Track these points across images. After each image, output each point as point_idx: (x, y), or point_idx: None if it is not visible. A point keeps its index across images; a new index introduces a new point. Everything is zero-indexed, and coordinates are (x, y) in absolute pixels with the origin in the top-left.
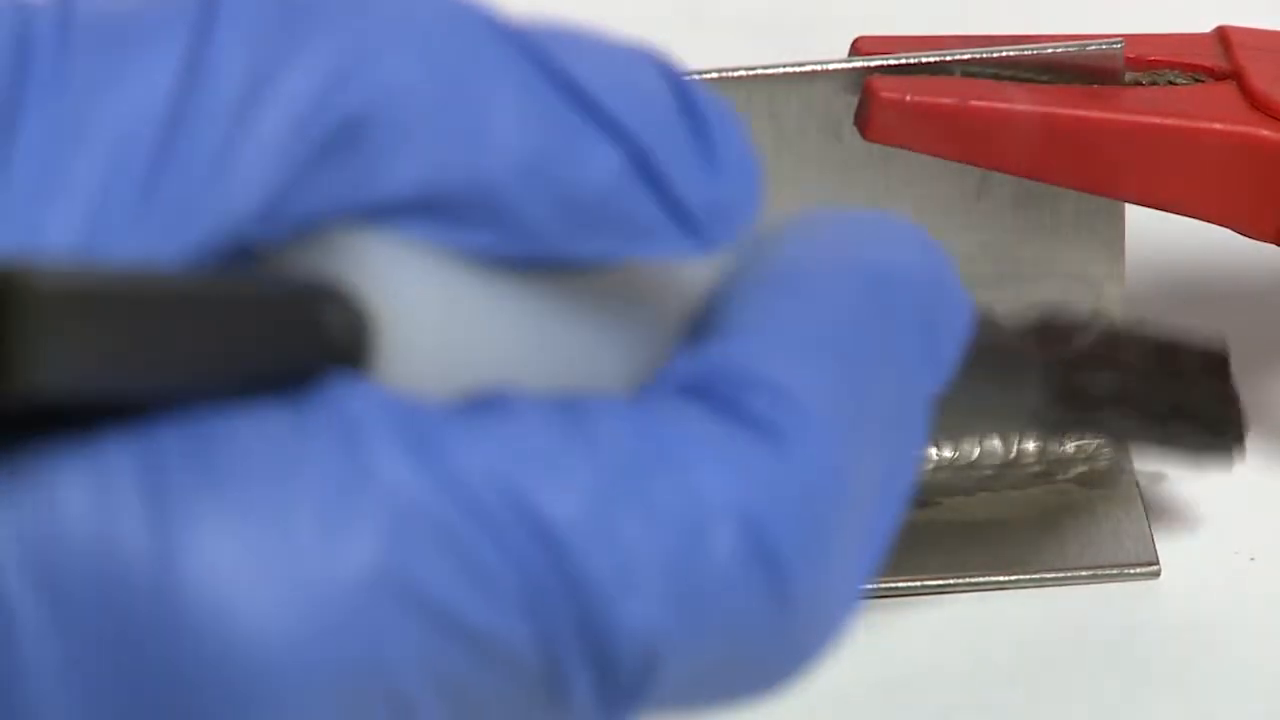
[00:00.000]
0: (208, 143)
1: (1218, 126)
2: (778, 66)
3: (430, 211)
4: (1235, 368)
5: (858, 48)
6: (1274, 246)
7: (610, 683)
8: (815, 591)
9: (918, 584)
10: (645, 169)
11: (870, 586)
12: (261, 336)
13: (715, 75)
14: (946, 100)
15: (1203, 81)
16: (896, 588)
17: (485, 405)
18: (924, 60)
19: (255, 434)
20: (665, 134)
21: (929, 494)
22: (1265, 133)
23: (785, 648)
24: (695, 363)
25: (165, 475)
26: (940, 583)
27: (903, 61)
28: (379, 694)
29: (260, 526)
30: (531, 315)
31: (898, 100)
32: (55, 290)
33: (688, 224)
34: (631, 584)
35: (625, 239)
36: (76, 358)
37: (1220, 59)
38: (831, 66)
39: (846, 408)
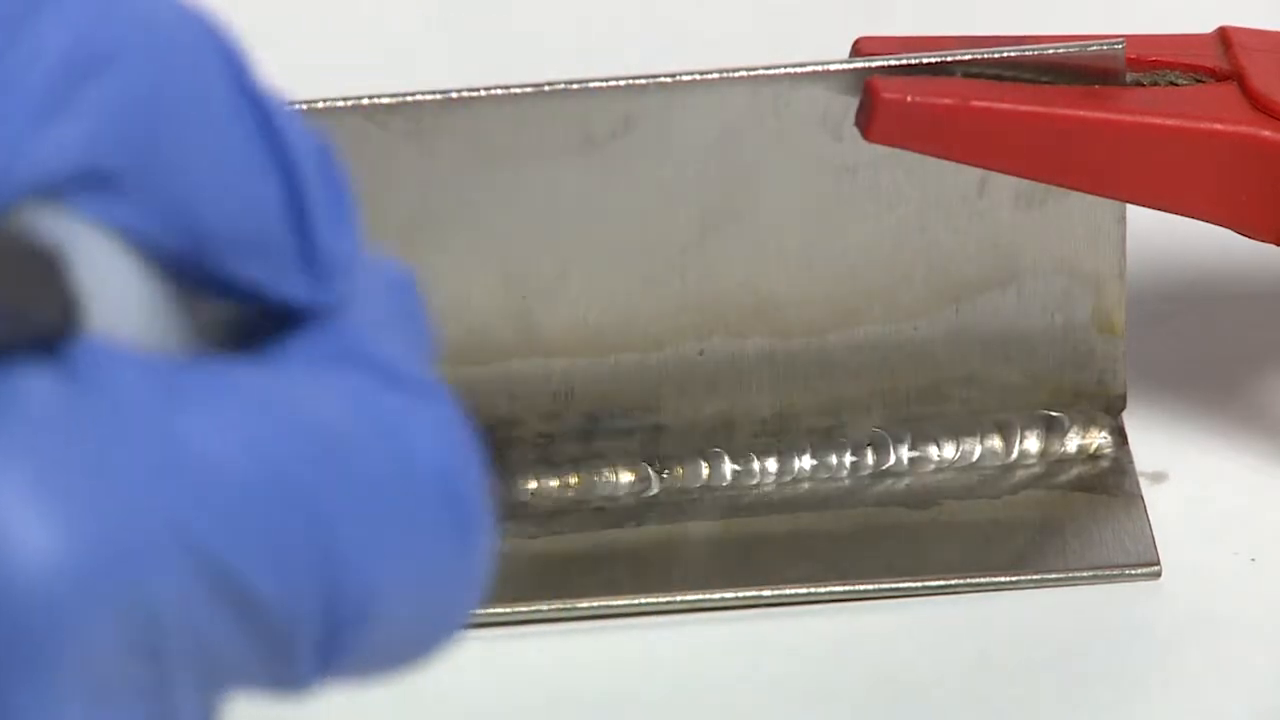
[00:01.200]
0: None
1: (1218, 127)
2: (779, 67)
3: (105, 186)
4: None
5: (859, 48)
6: (1275, 247)
7: (332, 636)
8: (485, 521)
9: (918, 584)
10: (297, 207)
11: (873, 588)
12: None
13: (717, 76)
14: (947, 101)
15: (1203, 82)
16: (898, 588)
17: (212, 366)
18: (925, 61)
19: (27, 387)
20: (315, 182)
21: (930, 495)
22: (1266, 133)
23: (466, 581)
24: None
25: None
26: (941, 583)
27: (904, 62)
28: (140, 644)
29: (41, 468)
30: (171, 303)
31: (899, 101)
32: None
33: (318, 272)
34: (368, 538)
35: (270, 272)
36: None
37: (1221, 59)
38: (832, 67)
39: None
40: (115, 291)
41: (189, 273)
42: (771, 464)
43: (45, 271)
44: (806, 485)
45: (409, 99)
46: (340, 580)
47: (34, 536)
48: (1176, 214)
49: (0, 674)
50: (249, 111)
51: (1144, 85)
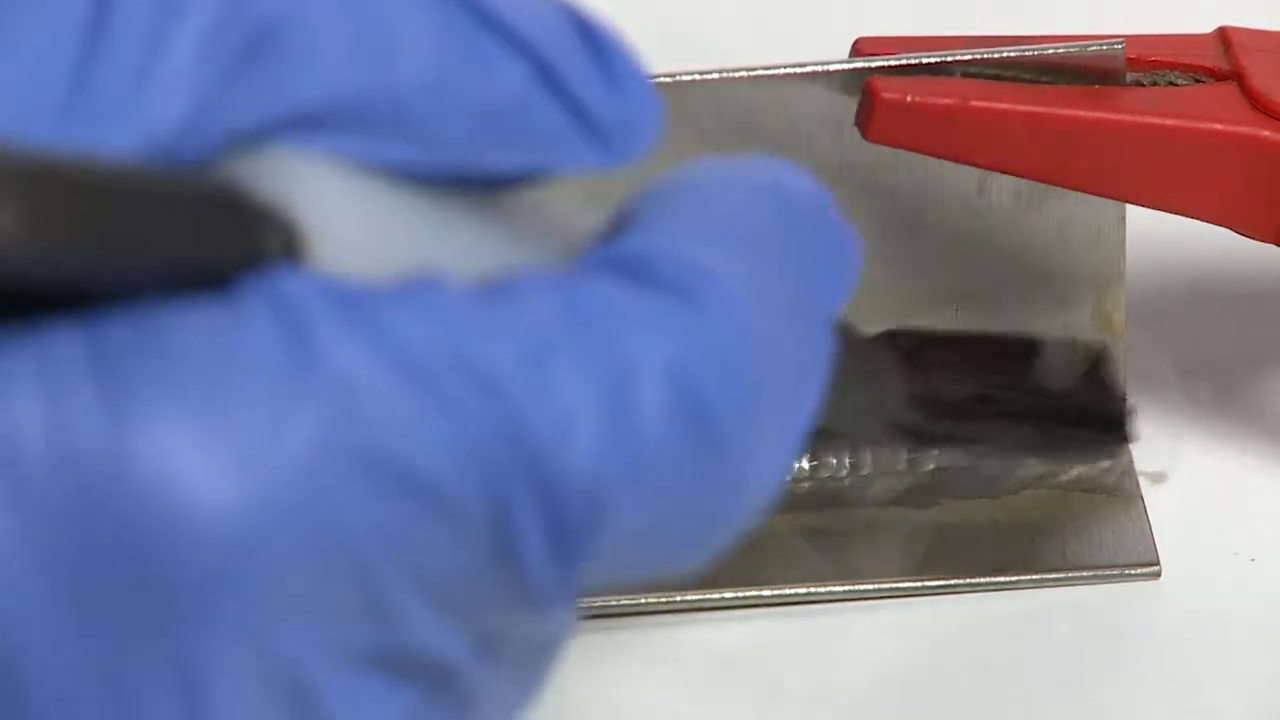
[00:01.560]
0: (126, 57)
1: (1218, 127)
2: (779, 67)
3: (342, 125)
4: (1116, 360)
5: (858, 48)
6: (1274, 247)
7: (559, 533)
8: (745, 446)
9: (919, 584)
10: (550, 81)
11: (874, 588)
12: (202, 233)
13: (717, 76)
14: (947, 101)
15: (1203, 82)
16: (899, 588)
17: (416, 284)
18: (925, 61)
19: (199, 321)
20: (568, 51)
21: (930, 495)
22: (1266, 133)
23: (719, 502)
24: (610, 249)
25: (114, 363)
26: (941, 583)
27: (903, 62)
28: (342, 570)
29: (210, 407)
30: (447, 228)
31: (898, 101)
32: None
33: (595, 136)
34: (572, 434)
35: (534, 150)
36: (24, 226)
37: (1221, 60)
38: (832, 67)
39: (753, 284)
40: (341, 224)
41: (460, 177)
42: None
43: (245, 214)
44: (807, 485)
45: None
46: (555, 480)
47: (205, 480)
48: (1176, 214)
49: (186, 624)
50: (459, 11)
51: (1144, 85)
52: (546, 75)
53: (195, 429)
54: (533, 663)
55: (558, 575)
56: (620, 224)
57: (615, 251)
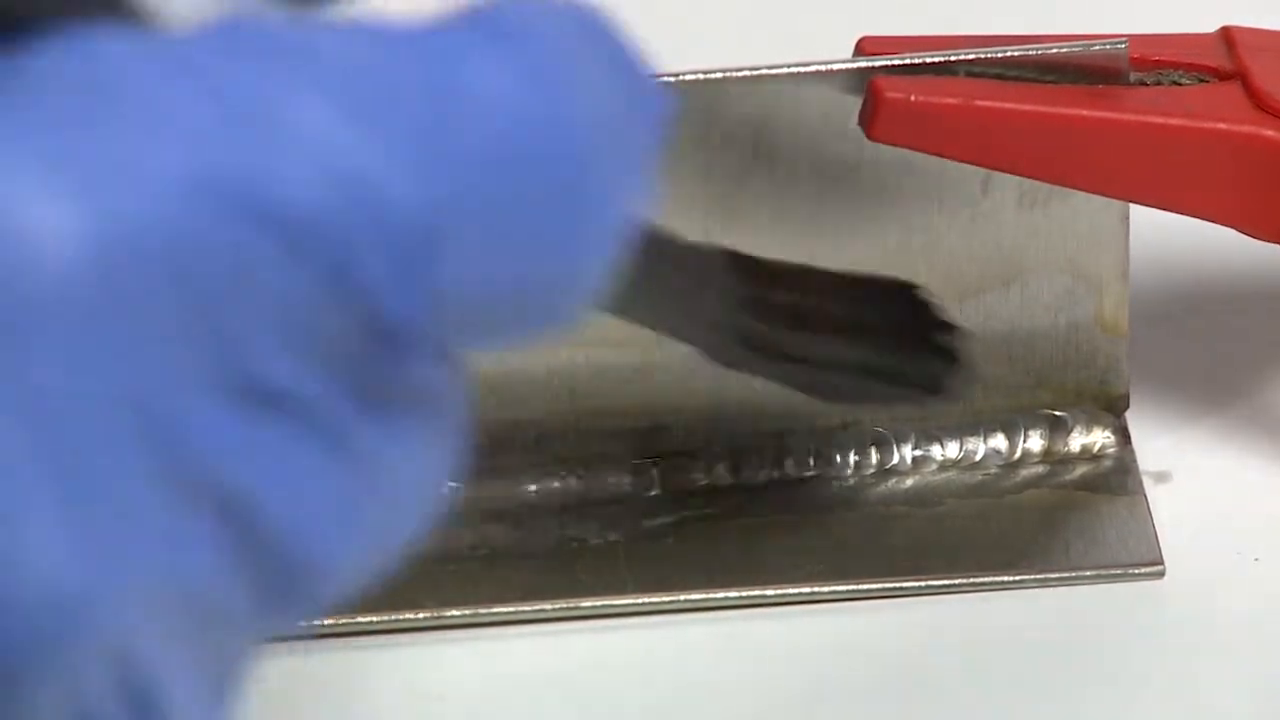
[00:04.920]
0: None
1: (1222, 127)
2: (782, 66)
3: None
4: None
5: (862, 48)
6: (1278, 246)
7: (398, 257)
8: (597, 170)
9: (921, 584)
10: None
11: (875, 587)
12: None
13: (720, 75)
14: (951, 100)
15: (1207, 82)
16: (901, 588)
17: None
18: (928, 60)
19: (46, 61)
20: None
21: (933, 494)
22: (1269, 133)
23: (563, 234)
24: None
25: None
26: (944, 583)
27: (907, 62)
28: (192, 299)
29: (52, 143)
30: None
31: (902, 100)
32: None
33: None
34: (397, 162)
35: None
36: None
37: (1225, 59)
38: (836, 67)
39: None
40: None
41: None
42: (774, 463)
43: None
44: (811, 484)
45: None
46: (387, 208)
47: (50, 217)
48: (1180, 214)
49: (26, 353)
50: None
51: (1148, 85)
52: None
53: (40, 162)
54: (433, 426)
55: (406, 305)
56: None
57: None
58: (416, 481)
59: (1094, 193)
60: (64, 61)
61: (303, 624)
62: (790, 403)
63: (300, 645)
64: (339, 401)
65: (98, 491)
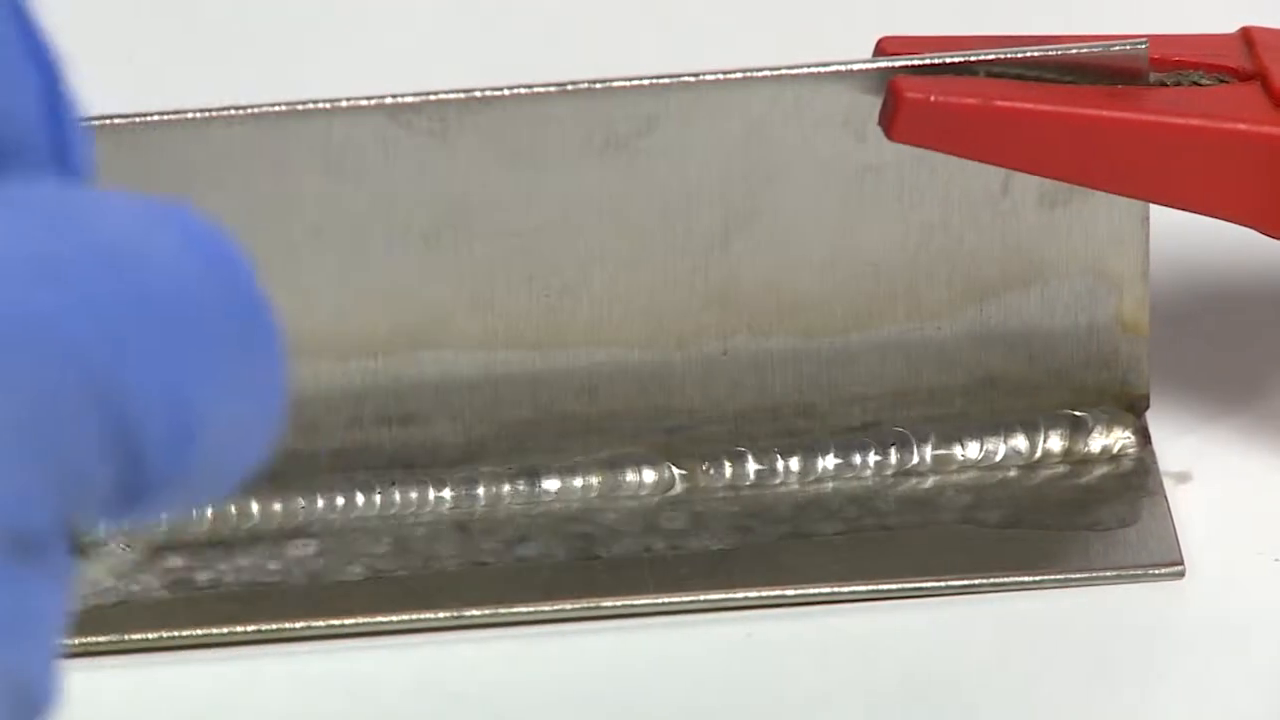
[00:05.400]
0: None
1: (1242, 127)
2: (802, 66)
3: None
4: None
5: (882, 48)
6: None
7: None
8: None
9: (942, 584)
10: (58, 116)
11: (896, 588)
12: None
13: (740, 76)
14: (971, 100)
15: (1227, 82)
16: (922, 588)
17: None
18: (948, 61)
19: None
20: (65, 81)
21: (954, 495)
22: None
23: (271, 386)
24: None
25: None
26: (964, 583)
27: (927, 62)
28: None
29: None
30: None
31: (922, 100)
32: None
33: (71, 175)
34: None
35: (22, 171)
36: None
37: (1244, 59)
38: (856, 67)
39: None
40: None
41: None
42: (795, 464)
43: None
44: (830, 485)
45: (432, 98)
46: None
47: None
48: (1200, 214)
49: None
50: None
51: (1167, 85)
52: (54, 103)
53: None
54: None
55: (170, 469)
56: None
57: None
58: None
59: (1114, 193)
60: None
61: None
62: (810, 403)
63: (316, 646)
64: (65, 545)
65: None
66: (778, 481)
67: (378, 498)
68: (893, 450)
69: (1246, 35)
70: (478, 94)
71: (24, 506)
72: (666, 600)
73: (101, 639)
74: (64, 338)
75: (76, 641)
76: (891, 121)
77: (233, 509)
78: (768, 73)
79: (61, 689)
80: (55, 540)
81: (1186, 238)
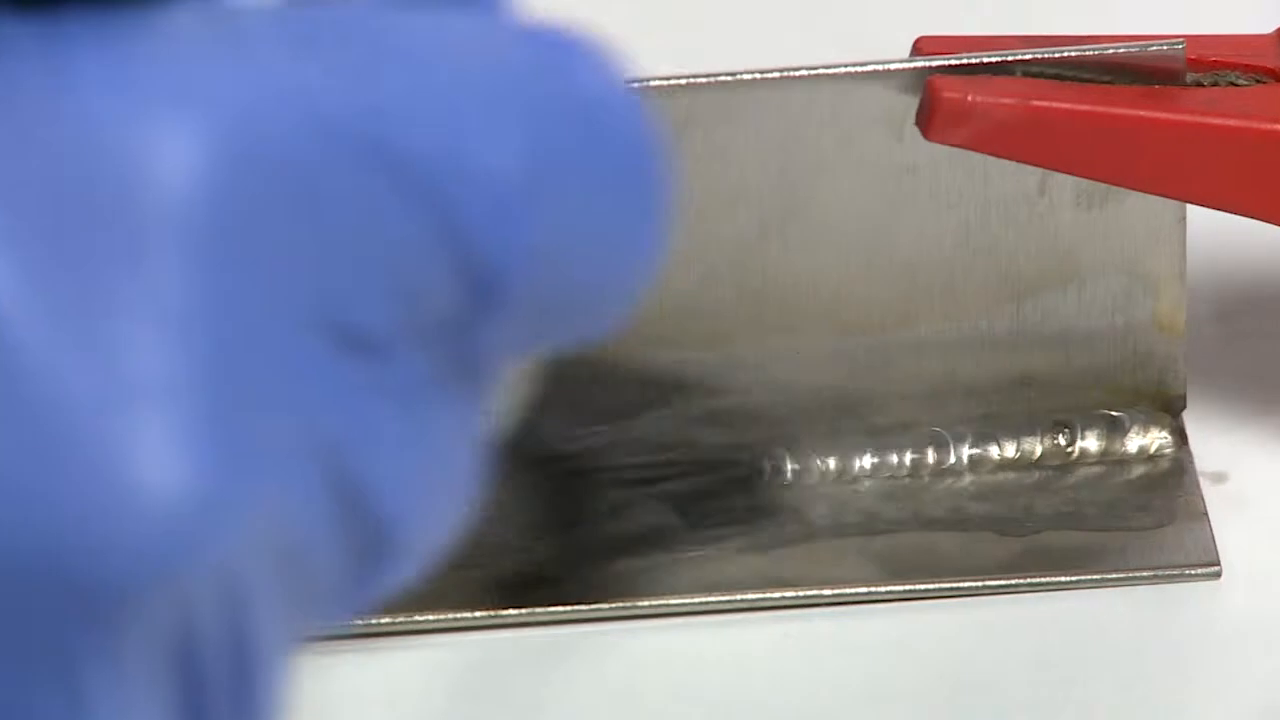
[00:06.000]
0: None
1: (1279, 128)
2: (839, 66)
3: None
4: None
5: (919, 48)
6: None
7: (500, 205)
8: (659, 170)
9: (979, 584)
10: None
11: (933, 588)
12: None
13: (778, 75)
14: (1008, 100)
15: (1264, 83)
16: (959, 588)
17: None
18: (985, 60)
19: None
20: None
21: (989, 493)
22: None
23: (639, 216)
24: None
25: (60, 28)
26: (1001, 583)
27: (964, 62)
28: (307, 234)
29: (184, 70)
30: None
31: (959, 100)
32: None
33: None
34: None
35: None
36: None
37: None
38: (893, 66)
39: None
40: None
41: None
42: (832, 463)
43: None
44: (867, 484)
45: None
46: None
47: (178, 139)
48: (1237, 214)
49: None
50: None
51: (1204, 86)
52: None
53: (168, 89)
54: (478, 409)
55: (503, 253)
56: None
57: None
58: (464, 459)
59: (1151, 193)
60: (188, 8)
61: (369, 607)
62: (847, 403)
63: (360, 644)
64: (421, 362)
65: (230, 400)
66: (814, 481)
67: None
68: (929, 450)
69: None
70: None
71: (348, 299)
72: (702, 600)
73: None
74: (390, 145)
75: None
76: (929, 121)
77: None
78: (805, 72)
79: (438, 546)
80: (404, 354)
81: (1223, 238)
